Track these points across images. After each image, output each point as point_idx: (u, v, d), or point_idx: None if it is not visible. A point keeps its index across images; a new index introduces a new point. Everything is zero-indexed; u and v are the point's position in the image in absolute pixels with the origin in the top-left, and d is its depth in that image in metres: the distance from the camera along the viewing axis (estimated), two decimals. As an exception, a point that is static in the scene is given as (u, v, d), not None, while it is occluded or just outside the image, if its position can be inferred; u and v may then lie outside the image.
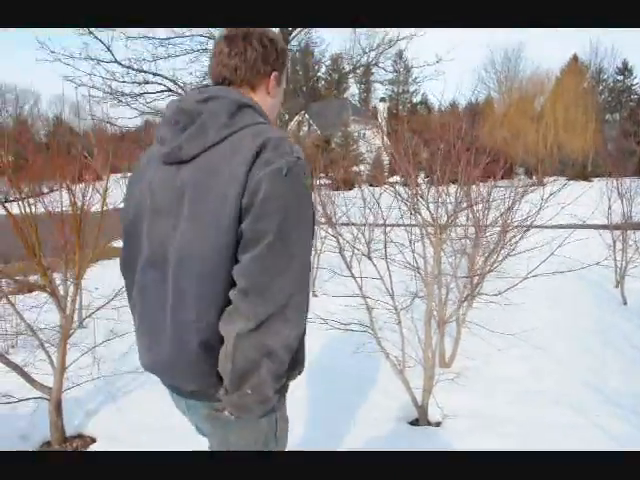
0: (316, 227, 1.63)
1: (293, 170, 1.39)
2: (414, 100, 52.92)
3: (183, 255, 1.43)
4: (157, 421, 3.85)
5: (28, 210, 3.36)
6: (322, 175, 11.84)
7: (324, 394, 4.25)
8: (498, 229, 4.58)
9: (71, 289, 3.60)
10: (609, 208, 7.79)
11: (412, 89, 52.12)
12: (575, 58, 42.89)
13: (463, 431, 3.69)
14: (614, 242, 7.67)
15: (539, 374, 4.63)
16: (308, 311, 1.51)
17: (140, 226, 1.56)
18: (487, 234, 4.76)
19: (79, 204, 3.60)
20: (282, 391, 1.60)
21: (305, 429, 3.69)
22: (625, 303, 7.19)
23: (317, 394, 4.24)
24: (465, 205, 4.37)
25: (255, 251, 1.35)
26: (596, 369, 4.78)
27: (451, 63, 13.91)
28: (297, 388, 4.23)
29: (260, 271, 1.35)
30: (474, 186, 4.87)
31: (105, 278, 6.08)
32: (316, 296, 7.39)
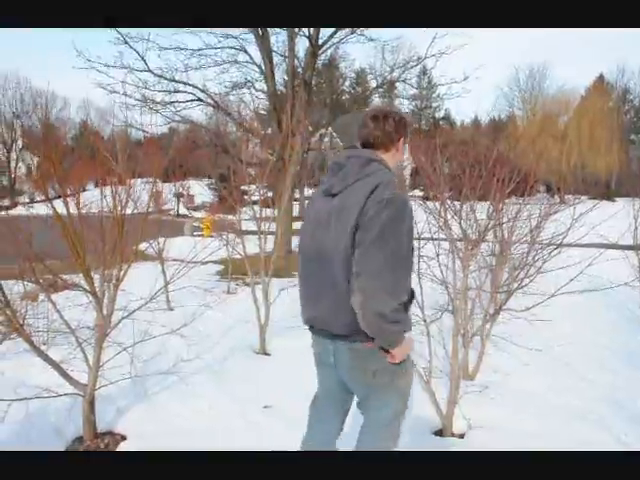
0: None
1: (391, 200, 2.18)
2: (437, 115, 52.93)
3: (332, 248, 2.27)
4: (186, 421, 3.95)
5: (70, 211, 3.47)
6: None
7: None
8: (525, 246, 4.62)
9: (109, 290, 3.71)
10: (635, 229, 7.74)
11: (435, 104, 52.16)
12: (601, 78, 42.65)
13: (487, 443, 3.71)
14: (640, 263, 7.61)
15: (563, 389, 4.63)
16: (407, 286, 2.30)
17: (310, 232, 2.46)
18: (514, 251, 4.79)
19: (120, 207, 3.70)
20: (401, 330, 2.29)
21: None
22: (650, 324, 7.12)
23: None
24: (495, 221, 4.41)
25: (360, 249, 2.17)
26: (621, 387, 4.76)
27: (476, 81, 13.98)
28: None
29: (364, 260, 2.15)
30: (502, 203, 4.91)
31: (137, 281, 6.23)
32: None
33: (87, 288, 3.51)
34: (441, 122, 49.48)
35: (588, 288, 4.66)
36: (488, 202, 4.52)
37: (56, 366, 3.56)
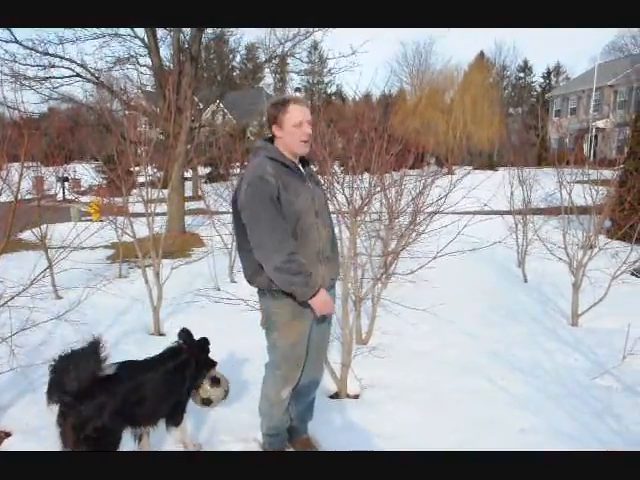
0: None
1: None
2: (329, 91, 53.49)
3: None
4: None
5: None
6: (238, 164, 11.76)
7: (245, 370, 4.35)
8: (410, 213, 4.85)
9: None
10: (511, 194, 8.37)
11: (327, 80, 52.66)
12: (482, 54, 45.07)
13: (380, 401, 3.92)
14: (516, 225, 8.27)
15: (448, 346, 4.98)
16: (290, 249, 2.62)
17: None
18: (399, 218, 5.02)
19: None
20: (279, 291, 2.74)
21: (233, 409, 3.77)
22: (526, 281, 7.78)
23: (241, 372, 4.34)
24: (378, 189, 4.57)
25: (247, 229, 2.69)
26: (500, 339, 5.20)
27: (365, 56, 14.21)
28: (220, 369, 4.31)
29: (250, 237, 2.67)
30: (387, 173, 5.11)
31: (13, 269, 5.83)
32: (235, 282, 7.45)
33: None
34: (333, 97, 50.05)
35: (467, 249, 4.99)
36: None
37: None
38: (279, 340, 2.90)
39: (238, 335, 4.89)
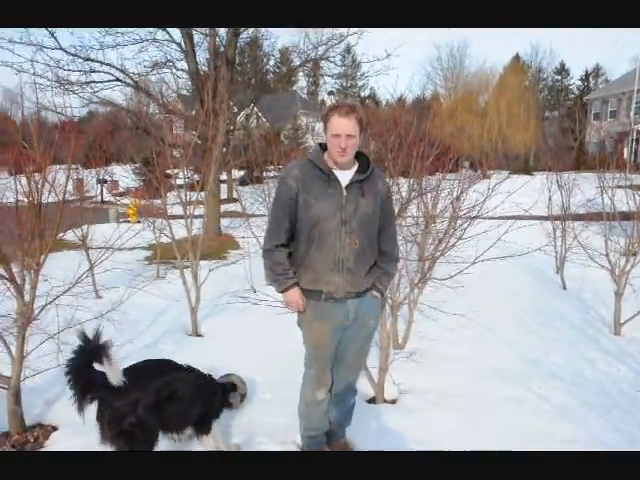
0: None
1: None
2: (362, 94, 53.42)
3: None
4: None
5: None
6: (272, 167, 11.83)
7: (281, 376, 4.37)
8: (447, 218, 4.81)
9: (30, 277, 3.56)
10: (549, 200, 8.23)
11: (360, 84, 52.59)
12: (517, 57, 44.42)
13: (417, 407, 3.90)
14: (554, 231, 8.12)
15: (486, 352, 4.92)
16: (267, 247, 2.92)
17: None
18: (437, 222, 4.99)
19: (37, 193, 3.54)
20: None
21: (271, 411, 3.81)
22: (564, 288, 7.62)
23: (279, 374, 4.37)
24: (417, 193, 4.56)
25: None
26: (539, 347, 5.11)
27: (399, 59, 14.18)
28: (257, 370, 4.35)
29: None
30: (425, 177, 5.08)
31: (55, 268, 6.00)
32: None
33: (5, 275, 3.35)
34: (367, 101, 49.97)
35: (506, 255, 4.93)
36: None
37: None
38: (304, 340, 3.06)
39: (276, 337, 4.94)
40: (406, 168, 4.58)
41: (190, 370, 3.22)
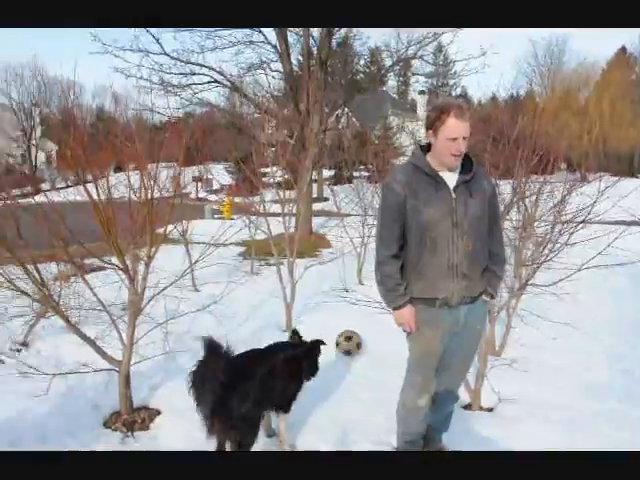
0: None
1: None
2: (453, 93, 52.15)
3: None
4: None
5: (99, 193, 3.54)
6: (362, 167, 11.87)
7: (378, 377, 4.39)
8: (549, 222, 4.61)
9: (141, 268, 3.79)
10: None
11: (452, 82, 51.36)
12: (623, 50, 41.62)
13: (515, 417, 3.76)
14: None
15: (591, 364, 4.66)
16: (378, 259, 2.87)
17: None
18: (537, 226, 4.79)
19: (148, 189, 3.76)
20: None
21: (367, 411, 3.84)
22: (678, 300, 7.06)
23: (372, 377, 4.39)
24: (520, 196, 4.41)
25: None
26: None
27: (495, 57, 13.78)
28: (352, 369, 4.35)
29: None
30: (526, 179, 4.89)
31: (164, 262, 6.34)
32: (363, 284, 7.52)
33: (120, 266, 3.58)
34: (458, 100, 48.70)
35: (614, 263, 4.65)
36: (510, 179, 4.52)
37: (91, 343, 3.66)
38: (411, 346, 2.98)
39: (371, 338, 4.96)
40: (506, 169, 4.44)
41: (282, 348, 3.45)
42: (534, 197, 4.88)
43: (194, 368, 3.05)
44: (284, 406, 3.34)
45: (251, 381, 3.03)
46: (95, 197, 3.46)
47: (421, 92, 44.89)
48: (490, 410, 3.93)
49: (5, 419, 3.65)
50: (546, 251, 4.38)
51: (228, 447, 3.09)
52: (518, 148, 4.32)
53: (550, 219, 4.70)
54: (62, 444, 3.42)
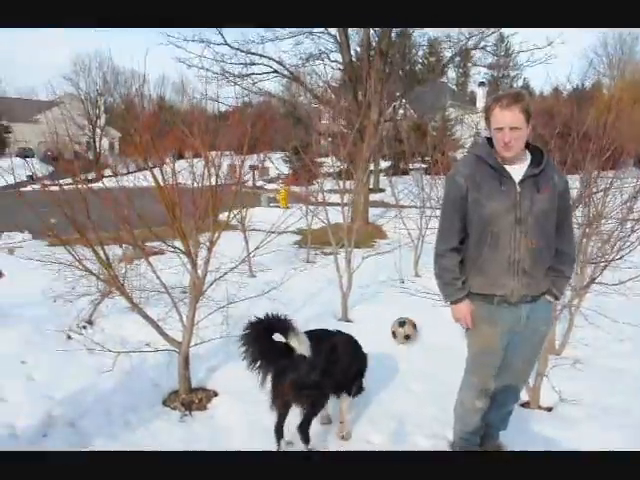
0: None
1: None
2: (515, 85, 50.59)
3: None
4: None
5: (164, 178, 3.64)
6: (419, 159, 11.72)
7: (431, 369, 4.36)
8: (617, 219, 4.43)
9: (203, 253, 3.89)
10: None
11: (513, 74, 49.81)
12: None
13: (575, 419, 3.64)
14: None
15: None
16: (437, 251, 2.85)
17: None
18: (605, 223, 4.60)
19: (213, 176, 3.84)
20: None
21: (420, 402, 3.81)
22: None
23: (424, 369, 4.37)
24: (589, 192, 4.25)
25: None
26: None
27: (559, 46, 13.28)
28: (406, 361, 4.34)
29: None
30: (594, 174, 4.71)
31: (223, 247, 6.49)
32: (419, 276, 7.46)
33: (183, 250, 3.68)
34: (520, 92, 47.12)
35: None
36: (576, 174, 4.35)
37: (153, 323, 3.78)
38: (469, 343, 2.93)
39: (425, 329, 4.92)
40: (573, 164, 4.28)
41: (344, 334, 3.56)
42: (601, 193, 4.69)
43: (254, 324, 3.10)
44: (347, 387, 3.41)
45: (317, 355, 3.12)
46: (161, 182, 3.57)
47: (481, 84, 43.67)
48: (549, 410, 3.82)
49: (72, 393, 3.85)
50: (614, 249, 4.20)
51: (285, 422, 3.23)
52: (590, 141, 4.14)
53: (618, 216, 4.51)
54: (125, 419, 3.58)
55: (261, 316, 3.10)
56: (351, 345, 3.52)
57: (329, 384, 3.21)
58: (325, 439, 3.39)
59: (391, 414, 3.66)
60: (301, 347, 3.06)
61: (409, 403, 3.78)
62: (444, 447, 3.26)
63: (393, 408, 3.73)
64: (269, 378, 3.11)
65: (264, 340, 3.07)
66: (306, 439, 3.12)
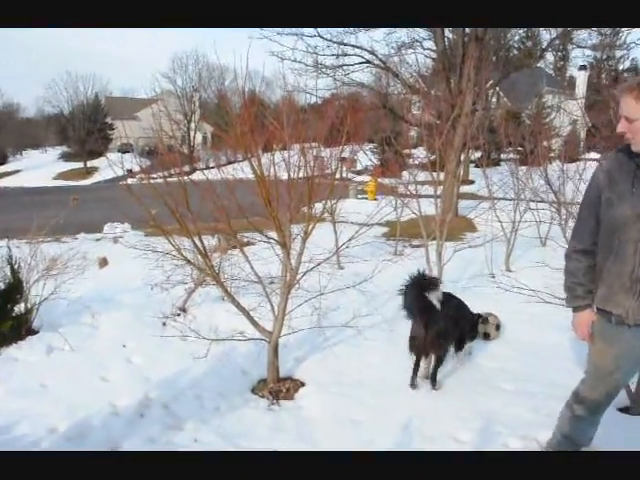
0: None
1: None
2: (620, 67, 46.97)
3: None
4: (358, 374, 4.11)
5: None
6: (511, 149, 11.25)
7: (519, 367, 4.22)
8: None
9: (296, 244, 3.92)
10: None
11: (619, 54, 46.14)
12: None
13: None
14: None
15: None
16: (566, 251, 2.67)
17: None
18: None
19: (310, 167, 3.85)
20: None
21: (512, 402, 3.67)
22: None
23: (512, 367, 4.24)
24: None
25: None
26: None
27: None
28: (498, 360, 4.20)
29: None
30: None
31: (316, 237, 6.58)
32: (511, 271, 7.17)
33: (279, 240, 3.72)
34: (625, 74, 43.76)
35: None
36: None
37: (246, 313, 3.87)
38: (589, 354, 2.67)
39: (513, 325, 4.73)
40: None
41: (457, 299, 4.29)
42: None
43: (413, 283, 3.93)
44: (457, 343, 4.14)
45: (448, 311, 3.94)
46: (258, 173, 3.61)
47: (582, 67, 40.77)
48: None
49: (167, 377, 4.03)
50: None
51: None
52: None
53: None
54: (215, 404, 3.69)
55: (416, 275, 3.96)
56: (466, 306, 4.30)
57: (455, 336, 4.03)
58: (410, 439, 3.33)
59: (478, 412, 3.53)
60: (437, 304, 3.82)
61: (501, 402, 3.63)
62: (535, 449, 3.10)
63: (480, 406, 3.60)
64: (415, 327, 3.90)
65: (418, 297, 3.85)
66: (435, 384, 3.85)
